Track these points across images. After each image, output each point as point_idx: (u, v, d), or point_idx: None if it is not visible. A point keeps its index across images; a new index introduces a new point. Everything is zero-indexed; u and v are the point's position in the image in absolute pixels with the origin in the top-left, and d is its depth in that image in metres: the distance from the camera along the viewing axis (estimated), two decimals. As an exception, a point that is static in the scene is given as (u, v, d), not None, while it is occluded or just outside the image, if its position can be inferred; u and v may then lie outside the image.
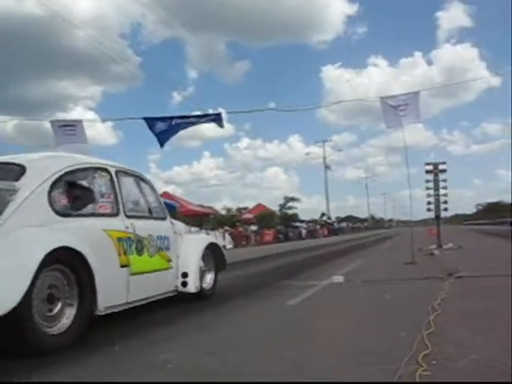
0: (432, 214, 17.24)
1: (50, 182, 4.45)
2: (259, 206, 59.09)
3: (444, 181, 16.61)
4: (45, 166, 4.68)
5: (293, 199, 64.31)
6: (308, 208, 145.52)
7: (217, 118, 9.89)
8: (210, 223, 36.88)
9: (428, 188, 16.72)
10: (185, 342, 4.21)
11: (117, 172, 5.38)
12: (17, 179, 4.30)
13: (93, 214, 4.87)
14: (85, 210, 4.78)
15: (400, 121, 9.78)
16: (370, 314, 5.19)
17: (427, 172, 16.60)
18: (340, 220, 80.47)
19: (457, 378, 2.88)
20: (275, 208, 61.18)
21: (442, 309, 4.98)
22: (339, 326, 4.63)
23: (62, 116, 69.67)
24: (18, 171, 4.40)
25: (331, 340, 4.06)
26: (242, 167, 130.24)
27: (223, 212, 55.35)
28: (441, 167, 16.64)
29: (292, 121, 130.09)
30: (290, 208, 63.31)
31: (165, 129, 9.56)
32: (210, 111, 10.16)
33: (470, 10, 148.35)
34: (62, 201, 4.58)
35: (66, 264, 4.17)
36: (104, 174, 5.23)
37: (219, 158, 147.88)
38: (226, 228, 35.10)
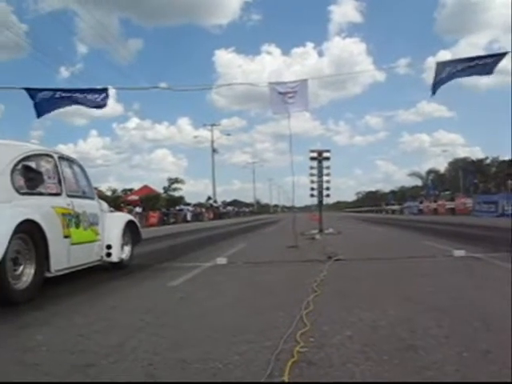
0: (315, 200, 17.77)
1: (11, 166, 5.34)
2: (145, 187, 58.37)
3: (327, 168, 17.13)
4: (5, 152, 5.54)
5: (177, 181, 64.05)
6: (195, 191, 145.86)
7: (101, 99, 9.37)
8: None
9: (312, 174, 17.18)
10: (59, 324, 4.02)
11: (59, 158, 6.34)
12: None
13: (43, 193, 5.78)
14: (37, 190, 5.67)
15: (287, 108, 9.88)
16: (251, 295, 5.24)
17: (311, 159, 17.04)
18: (226, 204, 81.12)
19: (331, 352, 2.97)
20: (162, 191, 60.67)
21: (321, 290, 5.13)
22: (219, 306, 4.62)
23: None
24: None
25: (209, 320, 4.04)
26: (129, 148, 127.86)
27: (108, 193, 53.95)
28: (325, 155, 17.14)
29: (182, 103, 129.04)
30: (174, 190, 63.00)
31: (46, 98, 9.05)
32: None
33: (360, 6, 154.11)
34: (20, 182, 5.45)
35: (28, 233, 5.01)
36: (50, 159, 6.15)
37: (106, 138, 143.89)
38: (111, 209, 34.10)
